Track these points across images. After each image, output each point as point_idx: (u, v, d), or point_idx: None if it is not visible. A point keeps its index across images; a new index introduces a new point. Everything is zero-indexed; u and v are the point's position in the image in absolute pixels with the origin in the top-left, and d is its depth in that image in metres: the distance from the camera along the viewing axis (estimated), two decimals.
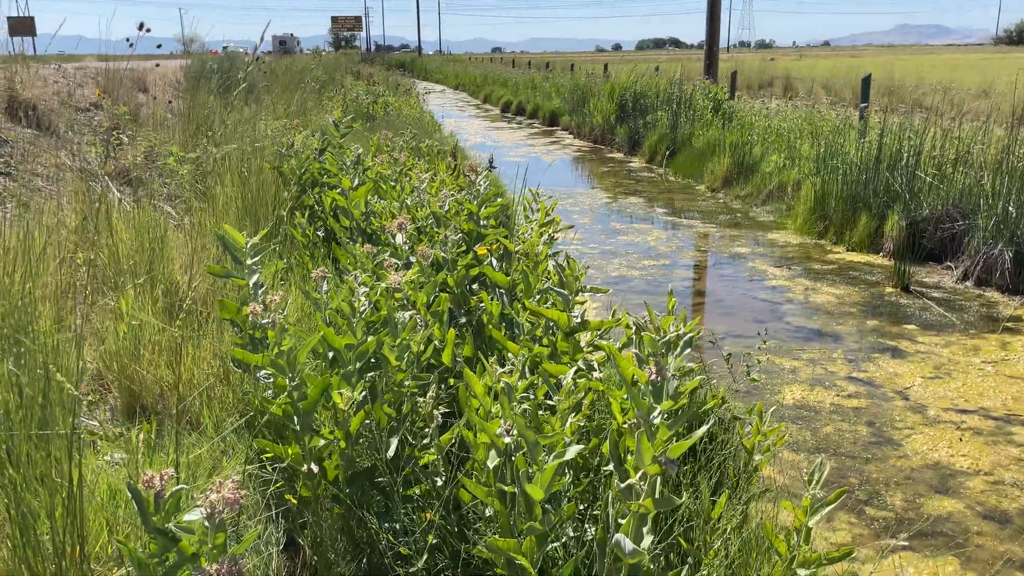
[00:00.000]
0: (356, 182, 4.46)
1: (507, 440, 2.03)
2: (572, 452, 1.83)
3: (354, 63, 42.79)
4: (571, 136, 20.46)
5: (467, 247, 4.11)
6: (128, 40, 7.61)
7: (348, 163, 4.60)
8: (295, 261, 4.48)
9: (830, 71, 29.67)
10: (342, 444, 2.37)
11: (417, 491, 2.47)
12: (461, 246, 3.73)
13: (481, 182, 4.14)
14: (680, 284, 7.89)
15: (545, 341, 3.22)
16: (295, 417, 2.39)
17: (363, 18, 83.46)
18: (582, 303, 3.40)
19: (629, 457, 1.84)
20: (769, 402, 5.17)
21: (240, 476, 2.52)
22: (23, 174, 5.65)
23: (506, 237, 4.21)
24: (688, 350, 1.74)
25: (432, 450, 2.48)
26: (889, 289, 7.51)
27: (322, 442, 2.39)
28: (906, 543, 3.80)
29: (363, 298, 2.56)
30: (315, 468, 2.41)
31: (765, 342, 5.90)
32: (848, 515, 3.97)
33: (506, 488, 2.08)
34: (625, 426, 2.75)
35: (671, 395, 1.68)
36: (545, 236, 4.76)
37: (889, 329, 6.48)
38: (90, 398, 3.23)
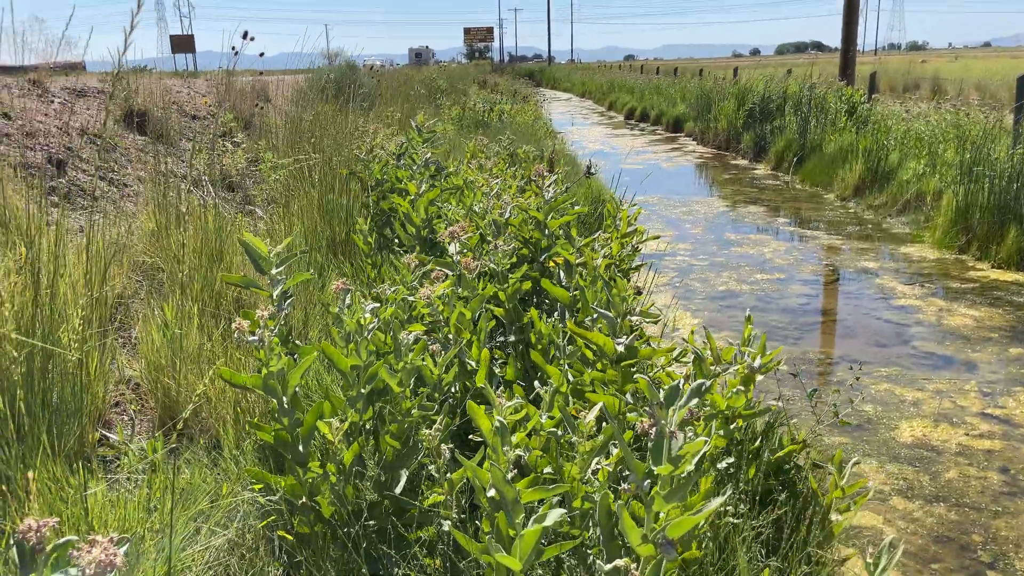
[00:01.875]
0: (423, 187, 4.25)
1: (491, 492, 1.71)
2: (553, 517, 1.49)
3: (483, 73, 43.34)
4: (694, 142, 19.73)
5: (532, 258, 3.80)
6: (234, 49, 7.75)
7: (415, 168, 4.40)
8: (363, 270, 4.31)
9: (986, 72, 27.34)
10: (333, 479, 2.12)
11: (423, 535, 2.18)
12: (513, 257, 3.42)
13: (550, 187, 3.82)
14: (794, 301, 7.25)
15: (599, 366, 2.87)
16: (291, 445, 2.15)
17: (495, 28, 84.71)
18: (655, 320, 3.03)
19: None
20: (883, 439, 4.57)
21: (235, 504, 2.31)
22: (123, 178, 5.80)
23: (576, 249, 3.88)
24: (695, 400, 1.36)
25: (442, 488, 2.19)
26: None
27: (315, 475, 2.15)
28: None
29: (369, 315, 2.31)
30: (311, 503, 2.17)
31: (859, 378, 5.26)
32: None
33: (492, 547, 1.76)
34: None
35: (671, 457, 1.32)
36: (627, 247, 4.38)
37: None
38: (127, 409, 3.14)
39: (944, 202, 9.26)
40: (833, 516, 2.35)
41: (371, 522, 2.15)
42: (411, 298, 2.80)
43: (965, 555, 3.52)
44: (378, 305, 2.39)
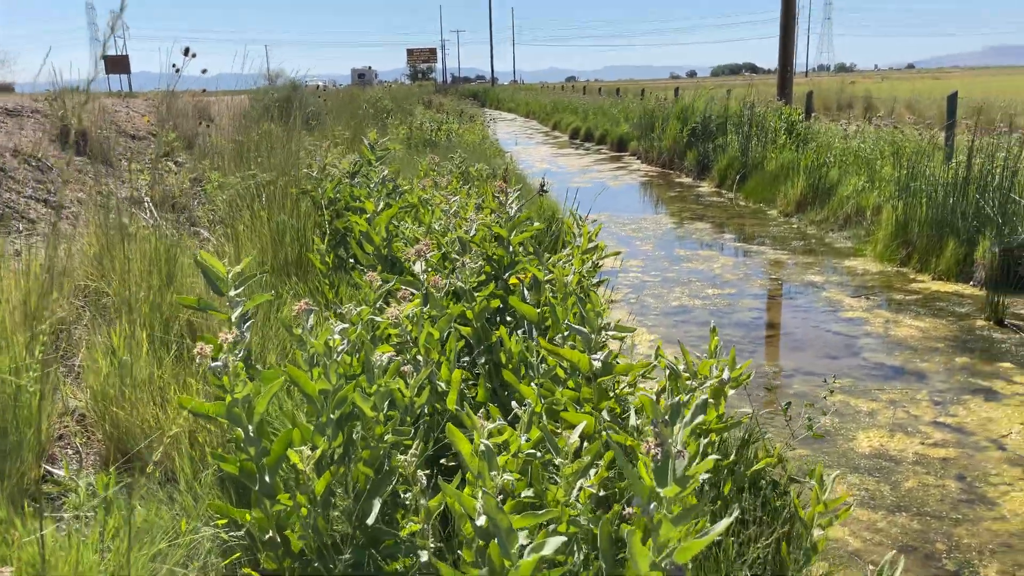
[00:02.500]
0: (380, 205, 4.15)
1: (480, 521, 1.63)
2: (552, 546, 1.41)
3: (428, 93, 43.34)
4: (639, 161, 19.98)
5: (495, 275, 3.73)
6: (175, 66, 7.55)
7: (372, 186, 4.31)
8: (317, 292, 4.18)
9: (913, 91, 28.39)
10: (304, 511, 2.01)
11: (398, 567, 2.08)
12: (481, 275, 3.35)
13: (512, 204, 3.76)
14: (746, 315, 7.32)
15: (571, 384, 2.81)
16: (257, 476, 2.04)
17: (438, 50, 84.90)
18: (621, 338, 2.99)
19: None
20: (842, 450, 4.60)
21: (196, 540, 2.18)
22: (60, 199, 5.56)
23: (538, 266, 3.82)
24: (700, 417, 1.31)
25: (418, 517, 2.09)
26: (980, 322, 6.79)
27: (283, 507, 2.04)
28: None
29: (337, 336, 2.21)
30: (279, 537, 2.05)
31: (832, 392, 5.31)
32: None
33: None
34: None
35: (677, 478, 1.26)
36: (588, 264, 4.34)
37: (981, 368, 5.79)
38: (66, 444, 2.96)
39: (884, 216, 9.51)
40: (815, 531, 2.33)
41: (345, 555, 2.04)
42: (378, 318, 2.70)
43: (931, 564, 3.55)
44: (347, 326, 2.29)
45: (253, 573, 2.08)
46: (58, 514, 2.46)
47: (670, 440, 1.27)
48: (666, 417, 1.31)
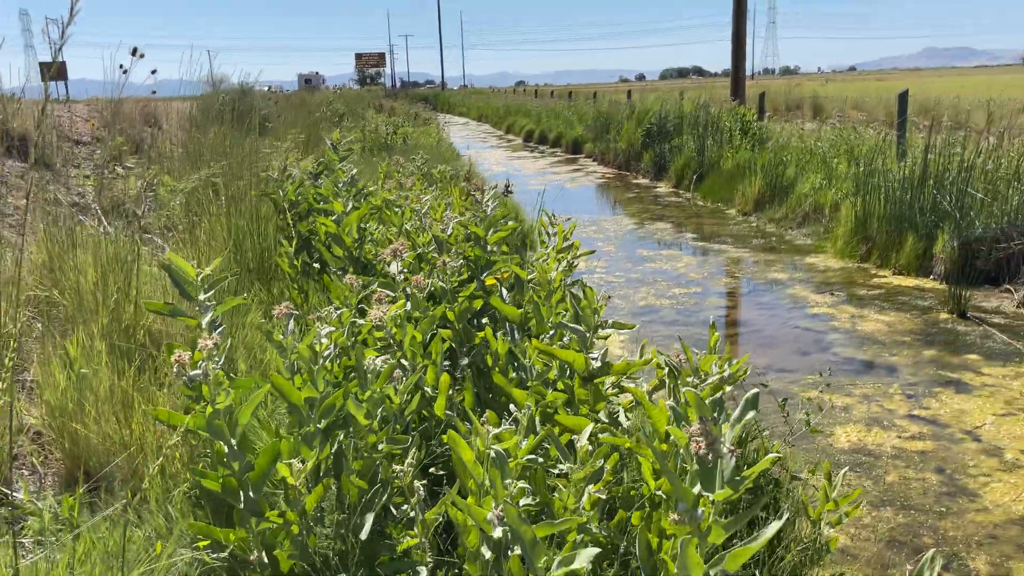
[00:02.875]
0: (349, 206, 3.99)
1: (497, 533, 1.51)
2: (583, 559, 1.29)
3: (377, 98, 42.95)
4: (595, 163, 20.01)
5: (473, 276, 3.60)
6: (122, 67, 7.25)
7: (340, 185, 4.15)
8: (281, 295, 4.00)
9: (859, 92, 29.02)
10: (294, 529, 1.86)
11: None
12: (463, 274, 3.22)
13: (489, 203, 3.64)
14: (714, 313, 7.30)
15: (560, 385, 2.69)
16: (241, 493, 1.88)
17: (387, 55, 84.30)
18: (604, 337, 2.88)
19: (669, 562, 1.30)
20: (821, 446, 4.57)
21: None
22: (1, 206, 5.28)
23: (519, 265, 3.70)
24: (752, 412, 1.22)
25: (414, 531, 1.96)
26: (944, 315, 6.87)
27: (271, 524, 1.88)
28: None
29: (324, 339, 2.06)
30: (266, 557, 1.90)
31: (829, 383, 5.28)
32: None
33: None
34: (658, 493, 2.20)
35: (728, 480, 1.16)
36: (563, 263, 4.23)
37: (949, 360, 5.84)
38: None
39: (843, 213, 9.61)
40: (825, 530, 2.25)
41: (342, 575, 1.89)
42: (360, 321, 2.55)
43: (920, 559, 3.51)
44: (333, 330, 2.14)
45: None
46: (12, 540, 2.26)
47: (720, 438, 1.16)
48: (714, 415, 1.20)
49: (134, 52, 7.01)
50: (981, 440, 4.57)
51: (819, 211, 10.65)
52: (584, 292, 2.46)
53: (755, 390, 1.23)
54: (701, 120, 15.43)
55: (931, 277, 8.06)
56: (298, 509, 1.86)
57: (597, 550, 1.28)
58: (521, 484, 1.61)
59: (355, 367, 2.10)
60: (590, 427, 1.86)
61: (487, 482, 1.77)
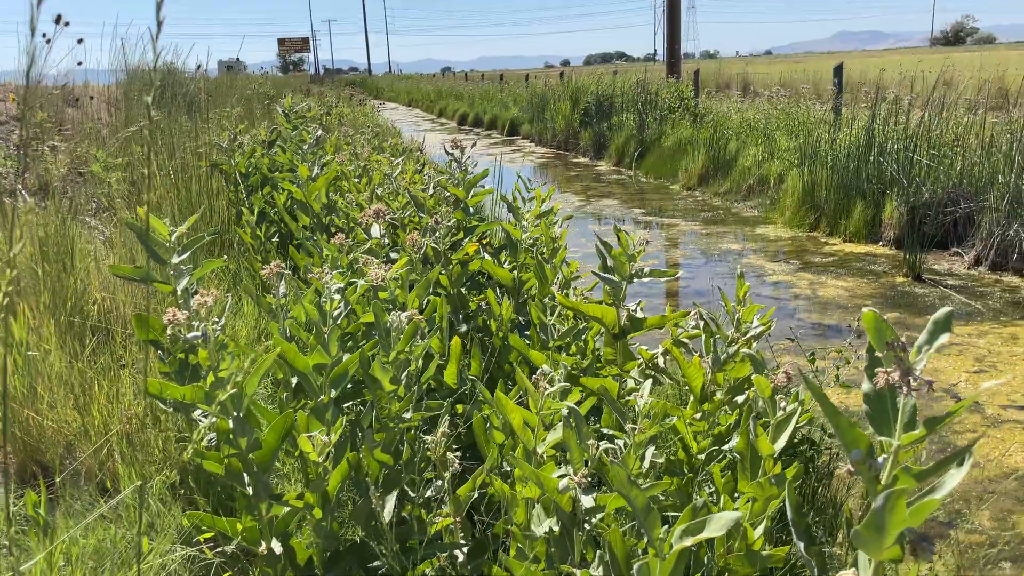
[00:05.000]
0: (315, 171, 3.69)
1: (587, 502, 1.29)
2: (717, 527, 1.08)
3: (304, 83, 41.83)
4: (533, 144, 19.85)
5: (455, 241, 3.36)
6: (45, 35, 6.71)
7: (305, 148, 3.83)
8: (245, 271, 3.69)
9: (783, 72, 29.56)
10: (317, 512, 1.61)
11: (427, 569, 1.71)
12: (457, 234, 2.98)
13: (466, 161, 3.40)
14: (674, 284, 7.21)
15: (573, 349, 2.49)
16: (245, 476, 1.61)
17: (311, 40, 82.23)
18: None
19: (748, 528, 1.11)
20: (814, 408, 4.49)
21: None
22: None
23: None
24: (946, 335, 1.04)
25: (446, 509, 1.73)
26: (900, 279, 6.93)
27: (286, 510, 1.63)
28: (1011, 572, 3.12)
29: (336, 297, 1.81)
30: (278, 548, 1.64)
31: (842, 350, 5.18)
32: (936, 543, 3.29)
33: (577, 573, 1.34)
34: (700, 457, 2.02)
35: (909, 420, 0.98)
36: (553, 227, 4.03)
37: (913, 321, 5.87)
38: None
39: (790, 184, 9.66)
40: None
41: (374, 563, 1.65)
42: (360, 281, 2.29)
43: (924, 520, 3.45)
44: (343, 286, 1.88)
45: None
46: None
47: (914, 368, 0.98)
48: (901, 340, 1.02)
49: (58, 20, 6.45)
50: (960, 397, 4.56)
51: (764, 183, 10.71)
52: (619, 237, 2.26)
53: (948, 308, 1.05)
54: (640, 97, 15.39)
55: (880, 243, 8.15)
56: (320, 491, 1.61)
57: (736, 514, 1.08)
58: (605, 444, 1.39)
59: (369, 330, 1.85)
60: (648, 383, 1.66)
61: (539, 449, 1.56)
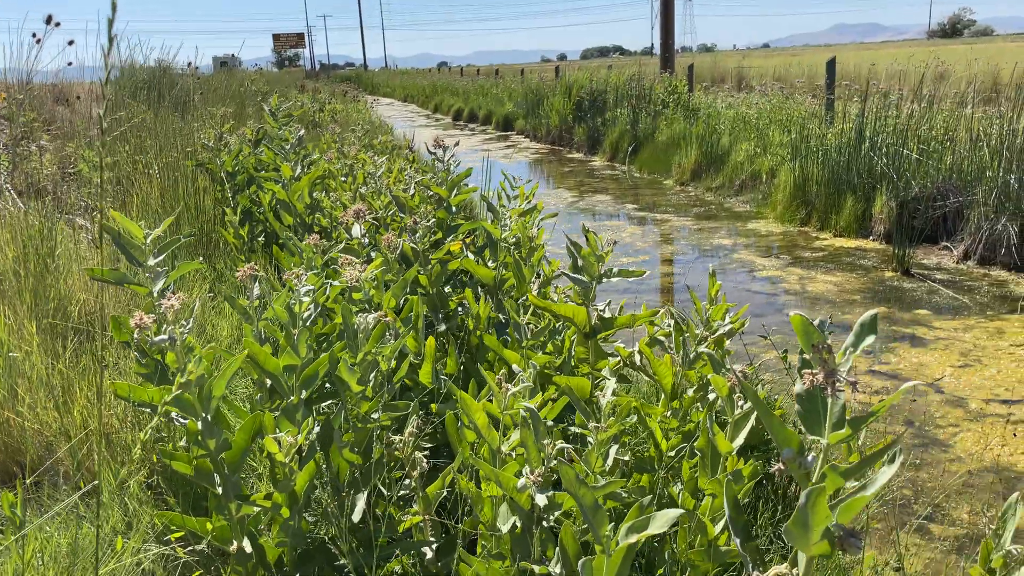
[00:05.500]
0: (299, 171, 3.71)
1: (541, 500, 1.32)
2: (660, 524, 1.11)
3: (299, 79, 41.78)
4: (527, 139, 19.85)
5: (438, 241, 3.38)
6: (35, 35, 6.71)
7: (287, 148, 3.86)
8: (228, 270, 3.71)
9: (779, 66, 29.55)
10: (284, 512, 1.63)
11: (397, 567, 1.73)
12: (437, 233, 3.00)
13: (449, 160, 3.42)
14: (665, 280, 7.25)
15: (549, 347, 2.51)
16: (216, 476, 1.64)
17: (306, 35, 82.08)
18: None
19: (708, 524, 1.14)
20: (789, 405, 4.52)
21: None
22: None
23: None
24: (872, 337, 1.06)
25: (415, 507, 1.75)
26: (889, 273, 6.96)
27: (256, 509, 1.65)
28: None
29: (306, 299, 1.83)
30: (248, 547, 1.66)
31: (767, 337, 5.23)
32: (912, 536, 3.32)
33: (536, 569, 1.36)
34: (671, 454, 2.05)
35: (837, 419, 1.00)
36: (532, 225, 4.04)
37: (901, 316, 5.90)
38: None
39: (781, 179, 9.68)
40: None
41: (340, 560, 1.68)
42: (335, 283, 2.31)
43: (903, 512, 3.48)
44: (313, 288, 1.90)
45: None
46: None
47: (839, 369, 1.00)
48: (827, 342, 1.04)
49: (48, 20, 6.45)
50: (944, 392, 4.59)
51: (756, 178, 10.73)
52: (587, 238, 2.28)
53: (873, 311, 1.07)
54: (633, 92, 15.40)
55: (871, 238, 8.18)
56: (287, 490, 1.63)
57: (678, 512, 1.11)
58: (560, 443, 1.42)
59: (341, 331, 1.87)
60: (612, 381, 1.69)
61: (504, 448, 1.58)
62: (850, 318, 5.90)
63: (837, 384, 0.99)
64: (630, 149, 14.38)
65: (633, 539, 1.10)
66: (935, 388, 4.65)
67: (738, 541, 1.11)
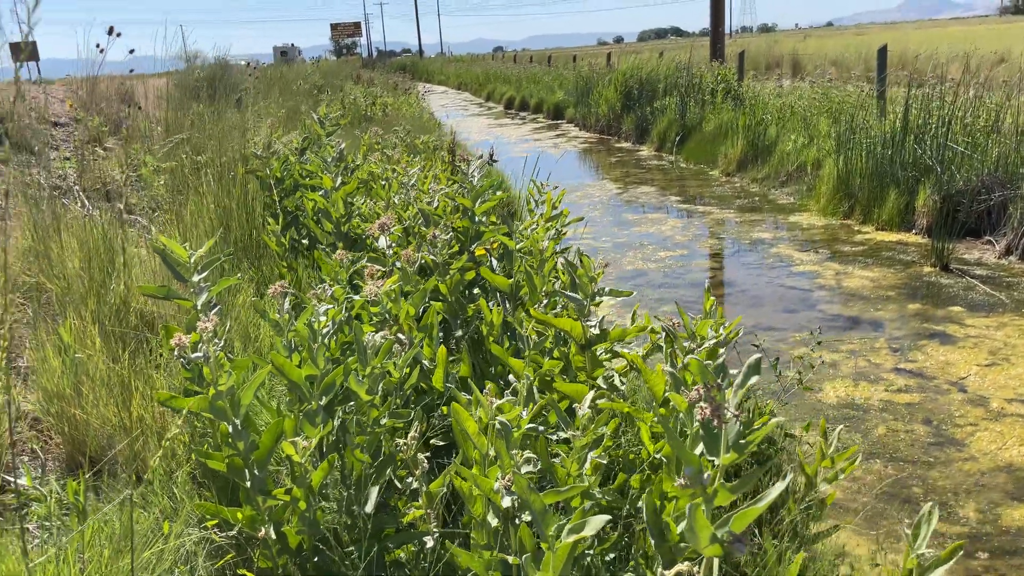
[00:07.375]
0: (339, 181, 3.98)
1: (506, 502, 1.54)
2: (593, 527, 1.32)
3: (355, 69, 42.41)
4: (577, 128, 19.93)
5: (462, 248, 3.61)
6: (98, 46, 7.14)
7: (330, 160, 4.13)
8: (273, 274, 4.00)
9: (839, 48, 28.92)
10: (302, 504, 1.89)
11: (402, 555, 1.98)
12: (453, 246, 3.23)
13: (475, 173, 3.64)
14: (701, 275, 7.36)
15: (556, 354, 2.72)
16: (246, 471, 1.90)
17: (363, 24, 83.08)
18: (596, 304, 2.91)
19: (672, 524, 1.34)
20: (810, 402, 4.65)
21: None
22: None
23: (507, 235, 3.71)
24: (755, 378, 1.25)
25: (419, 502, 1.99)
26: (927, 269, 6.95)
27: (278, 502, 1.91)
28: (986, 562, 3.27)
29: (323, 317, 2.08)
30: (272, 534, 1.93)
31: (820, 341, 5.30)
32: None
33: (510, 560, 1.59)
34: (658, 456, 2.25)
35: (733, 444, 1.19)
36: (552, 231, 4.25)
37: (934, 312, 5.93)
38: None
39: (825, 171, 9.65)
40: (821, 486, 2.31)
41: (350, 547, 1.93)
42: (355, 296, 2.57)
43: (910, 508, 3.60)
44: (331, 307, 2.15)
45: (248, 574, 1.95)
46: (13, 526, 2.28)
47: (724, 404, 1.19)
48: (719, 381, 1.23)
49: (111, 31, 6.90)
50: (967, 391, 4.65)
51: (802, 170, 10.69)
52: (581, 260, 2.48)
53: (757, 355, 1.26)
54: (682, 82, 15.36)
55: (913, 231, 8.14)
56: (304, 486, 1.89)
57: (606, 517, 1.31)
58: (527, 454, 1.64)
59: (354, 343, 2.12)
60: (591, 394, 1.89)
61: (491, 452, 1.81)
62: (882, 314, 5.96)
63: (722, 417, 1.18)
64: (677, 139, 14.39)
65: (572, 539, 1.31)
66: (958, 387, 4.71)
67: (653, 542, 1.30)
